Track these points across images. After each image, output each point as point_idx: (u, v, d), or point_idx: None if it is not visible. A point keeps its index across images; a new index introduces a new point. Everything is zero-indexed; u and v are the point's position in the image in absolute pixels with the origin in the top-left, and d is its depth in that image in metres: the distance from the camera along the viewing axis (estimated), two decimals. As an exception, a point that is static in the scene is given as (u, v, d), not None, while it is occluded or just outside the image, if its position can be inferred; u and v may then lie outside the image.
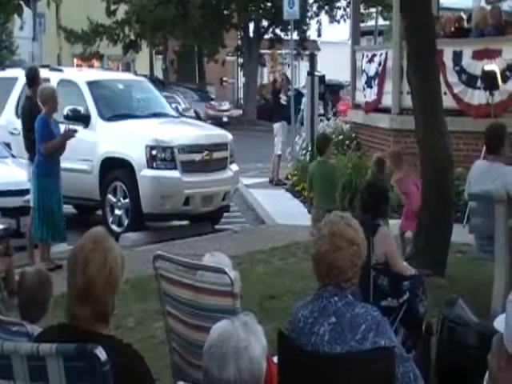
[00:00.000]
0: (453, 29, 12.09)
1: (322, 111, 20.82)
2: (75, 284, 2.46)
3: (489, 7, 13.99)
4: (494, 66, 10.17)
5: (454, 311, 4.66)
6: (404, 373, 2.93)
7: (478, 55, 10.77)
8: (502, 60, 10.47)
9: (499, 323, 1.91)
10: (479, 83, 10.59)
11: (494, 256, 5.76)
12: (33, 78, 8.63)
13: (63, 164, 8.38)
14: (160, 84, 25.44)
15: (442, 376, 4.58)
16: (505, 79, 10.30)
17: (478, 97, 10.66)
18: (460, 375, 4.30)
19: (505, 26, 11.39)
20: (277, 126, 14.69)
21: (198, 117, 24.50)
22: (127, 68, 35.83)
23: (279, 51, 34.50)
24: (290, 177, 13.76)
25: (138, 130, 10.29)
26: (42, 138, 7.76)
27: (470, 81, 10.84)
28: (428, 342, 4.57)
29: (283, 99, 15.01)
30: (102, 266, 2.47)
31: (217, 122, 23.23)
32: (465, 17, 13.38)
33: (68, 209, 10.13)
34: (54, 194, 7.88)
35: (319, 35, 38.61)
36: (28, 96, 8.68)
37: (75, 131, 8.08)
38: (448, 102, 9.83)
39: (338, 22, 36.49)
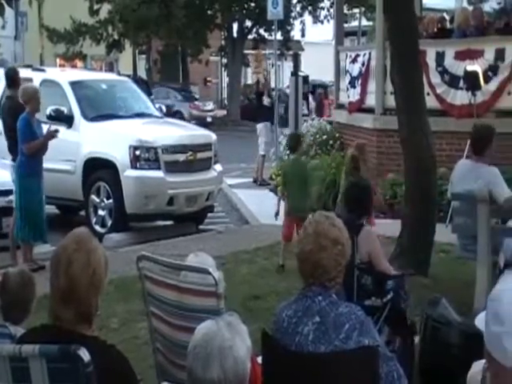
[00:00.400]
0: (435, 29, 12.16)
1: (305, 111, 20.90)
2: (58, 285, 2.45)
3: (471, 8, 14.08)
4: (476, 67, 10.23)
5: (437, 310, 4.68)
6: (388, 372, 2.94)
7: (461, 56, 10.84)
8: (484, 60, 10.55)
9: (480, 321, 1.93)
10: (461, 83, 10.66)
11: (477, 255, 5.80)
12: (12, 78, 8.61)
13: (46, 164, 8.33)
14: (144, 84, 25.37)
15: (425, 375, 4.59)
16: (487, 79, 10.37)
17: (460, 97, 10.73)
18: (443, 374, 4.33)
19: (486, 27, 11.48)
20: (260, 126, 14.75)
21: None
22: (110, 68, 35.71)
23: (263, 51, 34.54)
24: (274, 177, 13.76)
25: (122, 130, 10.26)
26: (24, 137, 7.71)
27: (452, 81, 10.91)
28: (411, 341, 4.59)
29: (266, 101, 15.05)
30: (86, 266, 2.46)
31: (201, 122, 23.22)
32: (447, 17, 13.48)
33: (51, 209, 10.07)
34: (37, 195, 7.82)
35: (303, 35, 38.76)
36: (9, 96, 8.63)
37: (57, 131, 8.02)
38: (431, 102, 9.89)
39: (322, 22, 36.61)
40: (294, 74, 13.86)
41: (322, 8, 35.72)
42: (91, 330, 2.52)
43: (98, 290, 2.50)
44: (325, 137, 13.40)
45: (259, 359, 3.07)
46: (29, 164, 7.77)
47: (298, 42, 39.30)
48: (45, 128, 8.02)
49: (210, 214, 11.11)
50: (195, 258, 3.71)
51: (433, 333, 4.61)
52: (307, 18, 37.06)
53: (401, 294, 4.54)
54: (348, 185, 5.27)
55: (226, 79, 40.33)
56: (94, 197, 10.03)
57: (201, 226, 10.81)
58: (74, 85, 10.70)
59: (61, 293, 2.44)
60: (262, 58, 32.64)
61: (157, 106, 12.82)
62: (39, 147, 7.80)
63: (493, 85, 10.48)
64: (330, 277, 2.94)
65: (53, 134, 7.90)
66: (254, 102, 16.19)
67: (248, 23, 33.95)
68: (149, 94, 19.01)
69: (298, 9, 35.60)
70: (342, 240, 2.98)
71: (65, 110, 10.27)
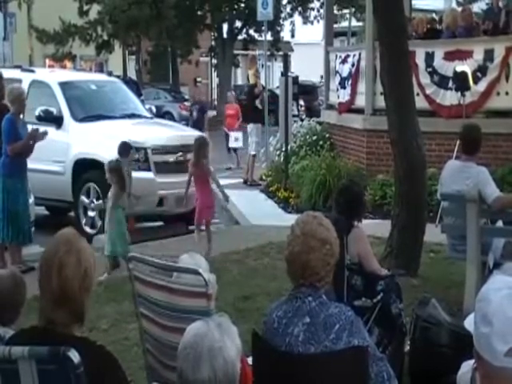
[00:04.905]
0: (425, 30, 12.20)
1: (295, 112, 20.87)
2: (51, 288, 2.44)
3: (460, 9, 14.14)
4: (465, 67, 10.28)
5: (426, 311, 4.69)
6: (378, 372, 2.94)
7: (450, 56, 10.88)
8: (473, 61, 10.60)
9: (469, 323, 1.93)
10: (451, 84, 10.70)
11: (466, 255, 5.82)
12: None
13: (36, 165, 8.28)
14: (134, 85, 25.32)
15: (415, 375, 4.61)
16: (476, 80, 10.42)
17: (449, 97, 10.77)
18: (433, 374, 4.34)
19: (475, 28, 11.54)
20: (250, 126, 14.75)
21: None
22: (100, 69, 35.60)
23: (253, 52, 34.60)
24: (264, 177, 13.78)
25: (112, 130, 10.23)
26: (8, 138, 7.67)
27: (441, 82, 10.95)
28: (401, 342, 4.60)
29: (258, 104, 15.09)
30: (77, 267, 2.45)
31: (190, 122, 23.13)
32: (436, 18, 13.53)
33: (40, 210, 10.04)
34: (20, 196, 7.77)
35: (293, 36, 38.79)
36: None
37: (45, 133, 7.97)
38: (420, 102, 9.92)
39: (312, 22, 36.72)
40: (284, 74, 13.85)
41: (312, 9, 35.84)
42: (81, 331, 2.52)
43: (90, 289, 2.51)
44: (315, 137, 13.42)
45: (249, 360, 3.07)
46: (12, 165, 7.71)
47: (288, 42, 39.35)
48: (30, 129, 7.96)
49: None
50: (189, 259, 3.70)
51: (423, 333, 4.62)
52: (297, 18, 37.17)
53: (391, 295, 4.55)
54: (339, 188, 5.22)
55: (215, 80, 40.32)
56: (83, 198, 10.00)
57: (191, 227, 10.78)
58: (64, 85, 10.67)
59: (54, 296, 2.43)
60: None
61: (147, 106, 12.79)
62: (22, 148, 7.76)
63: (482, 85, 10.53)
64: (320, 277, 2.94)
65: (39, 136, 7.85)
66: (245, 103, 16.17)
67: (238, 24, 34.00)
68: (139, 94, 18.98)
69: (288, 9, 35.70)
70: (330, 239, 2.97)
71: (54, 110, 10.24)
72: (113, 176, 7.77)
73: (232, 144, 16.43)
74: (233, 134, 16.42)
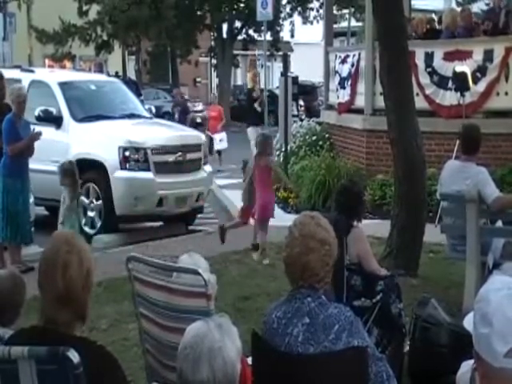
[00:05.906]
0: (424, 30, 12.20)
1: (295, 112, 20.87)
2: (55, 288, 2.43)
3: (459, 9, 14.15)
4: (464, 68, 10.27)
5: (426, 311, 4.69)
6: (377, 372, 2.94)
7: (449, 56, 10.88)
8: (473, 61, 10.60)
9: (468, 322, 1.93)
10: (450, 84, 10.70)
11: (466, 255, 5.83)
12: None
13: (35, 165, 8.27)
14: (133, 85, 25.32)
15: (415, 375, 4.61)
16: (475, 80, 10.42)
17: (449, 98, 10.77)
18: (432, 374, 4.34)
19: (474, 28, 11.53)
20: (249, 130, 14.87)
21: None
22: (100, 69, 35.59)
23: (252, 52, 34.63)
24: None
25: (111, 131, 10.23)
26: (8, 138, 7.69)
27: (441, 82, 10.96)
28: (401, 342, 4.60)
29: (257, 106, 15.13)
30: (80, 267, 2.46)
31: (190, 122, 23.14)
32: (436, 18, 13.53)
33: (40, 210, 10.04)
34: (20, 196, 7.77)
35: (292, 36, 38.82)
36: None
37: (40, 133, 7.96)
38: (420, 103, 9.92)
39: (311, 23, 36.74)
40: (284, 74, 13.84)
41: (312, 9, 35.85)
42: (81, 331, 2.52)
43: (91, 288, 2.52)
44: (314, 137, 13.42)
45: (249, 360, 3.07)
46: (12, 165, 7.73)
47: (288, 42, 39.38)
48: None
49: (199, 215, 11.10)
50: (188, 259, 3.70)
51: (422, 333, 4.62)
52: (297, 18, 37.18)
53: (390, 295, 4.54)
54: (339, 188, 5.21)
55: (215, 80, 40.33)
56: (83, 198, 9.99)
57: (190, 227, 10.80)
58: (63, 86, 10.67)
59: (59, 296, 2.43)
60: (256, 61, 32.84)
61: (146, 106, 12.79)
62: (22, 148, 7.77)
63: (481, 85, 10.53)
64: (319, 278, 2.93)
65: (36, 137, 7.85)
66: (244, 104, 16.24)
67: (237, 24, 34.00)
68: (138, 94, 18.99)
69: (288, 9, 35.71)
70: (329, 240, 2.96)
71: (54, 110, 10.25)
72: (66, 179, 7.66)
73: (217, 146, 16.57)
74: (217, 136, 16.61)
